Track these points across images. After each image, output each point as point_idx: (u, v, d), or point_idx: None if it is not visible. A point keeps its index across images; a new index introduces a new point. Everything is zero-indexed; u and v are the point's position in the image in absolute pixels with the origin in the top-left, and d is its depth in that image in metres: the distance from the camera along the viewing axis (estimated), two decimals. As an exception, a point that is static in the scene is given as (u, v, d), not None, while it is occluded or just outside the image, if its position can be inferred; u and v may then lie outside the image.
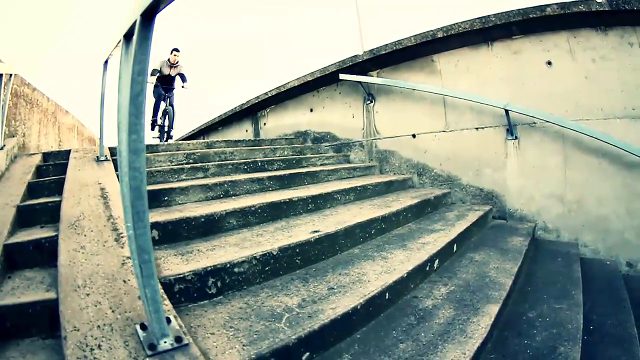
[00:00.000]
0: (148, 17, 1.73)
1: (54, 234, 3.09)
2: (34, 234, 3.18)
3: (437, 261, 3.95)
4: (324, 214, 4.66)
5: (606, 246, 5.48)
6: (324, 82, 8.18)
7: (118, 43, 2.15)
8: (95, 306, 2.14)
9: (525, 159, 6.07)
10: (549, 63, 5.86)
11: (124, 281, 2.37)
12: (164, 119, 11.90)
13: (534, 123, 5.90)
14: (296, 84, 8.53)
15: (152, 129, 12.13)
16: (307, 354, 2.22)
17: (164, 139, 11.80)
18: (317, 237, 3.60)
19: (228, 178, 5.20)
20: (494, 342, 3.05)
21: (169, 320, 1.98)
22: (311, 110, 8.76)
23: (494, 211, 6.28)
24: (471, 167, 6.51)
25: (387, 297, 3.04)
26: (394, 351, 2.42)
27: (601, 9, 5.45)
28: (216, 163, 6.01)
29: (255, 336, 2.15)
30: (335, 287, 2.90)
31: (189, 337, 1.96)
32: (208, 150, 6.89)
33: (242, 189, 5.05)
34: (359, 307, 2.61)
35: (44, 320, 2.32)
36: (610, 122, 5.31)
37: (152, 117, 11.91)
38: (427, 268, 3.77)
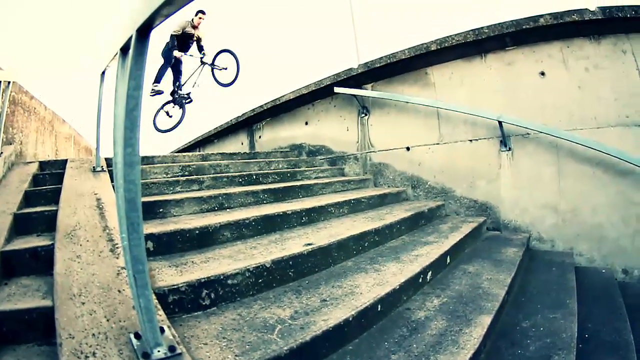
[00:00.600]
0: (143, 32, 1.77)
1: (50, 242, 3.13)
2: (30, 242, 3.23)
3: (430, 273, 3.97)
4: (317, 227, 4.70)
5: (601, 254, 5.51)
6: (319, 95, 8.26)
7: (115, 55, 2.21)
8: (90, 315, 2.17)
9: (519, 170, 6.12)
10: (542, 73, 5.93)
11: (119, 291, 2.40)
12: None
13: (528, 134, 5.95)
14: (291, 97, 8.61)
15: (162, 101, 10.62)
16: None
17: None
18: (310, 249, 3.64)
19: (223, 191, 5.25)
20: (488, 352, 3.07)
21: (162, 330, 2.01)
22: (306, 123, 8.84)
23: (488, 222, 6.32)
24: (465, 179, 6.57)
25: (379, 309, 3.07)
26: None
27: (594, 17, 5.53)
28: (211, 176, 6.05)
29: (247, 347, 2.19)
30: (327, 299, 2.94)
31: (182, 347, 1.99)
32: (203, 162, 6.93)
33: (237, 201, 5.09)
34: (350, 318, 2.65)
35: (39, 327, 2.36)
36: (604, 131, 5.36)
37: (153, 83, 10.26)
38: (420, 280, 3.80)
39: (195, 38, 10.35)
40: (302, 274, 3.44)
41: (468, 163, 6.52)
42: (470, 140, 6.42)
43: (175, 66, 10.39)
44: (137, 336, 1.99)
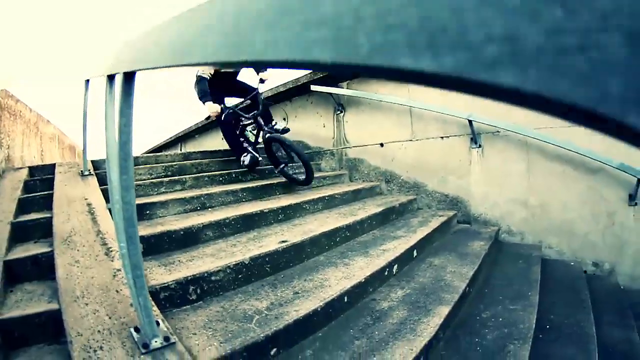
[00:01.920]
0: (129, 75, 1.91)
1: (49, 249, 3.37)
2: (30, 250, 3.47)
3: (396, 266, 4.27)
4: (293, 223, 5.03)
5: (571, 248, 5.81)
6: (296, 92, 8.50)
7: (102, 77, 2.34)
8: (94, 314, 2.46)
9: (489, 165, 6.41)
10: None
11: (117, 291, 2.70)
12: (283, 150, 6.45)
13: (498, 132, 6.21)
14: (269, 95, 8.77)
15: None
16: (275, 349, 2.64)
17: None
18: (285, 247, 3.97)
19: (205, 191, 5.53)
20: (446, 340, 3.37)
21: (158, 324, 2.32)
22: (284, 119, 9.03)
23: (458, 216, 6.67)
24: (437, 174, 6.90)
25: (345, 300, 3.42)
26: (350, 347, 2.79)
27: None
28: (193, 175, 6.33)
29: (230, 335, 2.56)
30: (300, 291, 3.30)
31: (175, 337, 2.32)
32: (185, 162, 7.21)
33: (218, 200, 5.40)
34: (319, 309, 3.01)
35: (48, 328, 2.62)
36: (574, 130, 5.43)
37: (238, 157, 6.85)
38: (386, 273, 4.11)
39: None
40: (277, 269, 3.77)
41: (439, 159, 6.85)
42: (442, 137, 6.71)
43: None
44: (137, 330, 2.30)
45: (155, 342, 2.26)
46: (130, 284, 2.28)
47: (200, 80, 6.31)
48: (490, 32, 0.42)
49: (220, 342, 2.51)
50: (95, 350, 2.18)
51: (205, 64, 1.03)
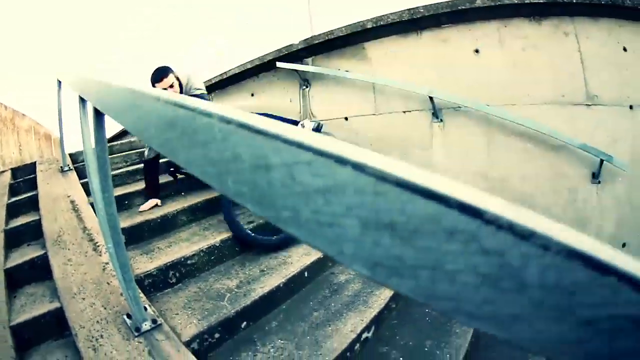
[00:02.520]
0: (99, 114, 2.04)
1: (42, 251, 3.64)
2: (25, 254, 3.72)
3: None
4: None
5: None
6: (263, 69, 8.66)
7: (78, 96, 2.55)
8: (92, 307, 2.83)
9: (450, 140, 6.60)
10: (477, 51, 6.29)
11: (108, 283, 3.08)
12: None
13: (459, 107, 6.35)
14: (237, 71, 9.06)
15: None
16: (244, 323, 3.15)
17: None
18: (252, 227, 4.39)
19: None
20: (399, 311, 3.76)
21: (146, 309, 2.77)
22: (252, 95, 9.23)
23: (418, 188, 6.74)
24: (399, 148, 7.04)
25: (306, 275, 3.87)
26: (309, 318, 3.26)
27: (537, 0, 5.83)
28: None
29: (206, 313, 3.07)
30: (265, 269, 3.77)
31: (161, 319, 2.78)
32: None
33: (190, 185, 5.59)
34: (281, 285, 3.51)
35: (53, 325, 2.90)
36: (537, 108, 5.76)
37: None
38: None
39: None
40: (247, 247, 4.19)
41: (402, 133, 6.98)
42: (404, 112, 6.89)
43: None
44: (129, 316, 2.70)
45: (145, 325, 2.68)
46: (119, 279, 2.65)
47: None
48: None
49: (198, 320, 2.99)
50: (97, 339, 2.55)
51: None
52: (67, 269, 3.33)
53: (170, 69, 5.33)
